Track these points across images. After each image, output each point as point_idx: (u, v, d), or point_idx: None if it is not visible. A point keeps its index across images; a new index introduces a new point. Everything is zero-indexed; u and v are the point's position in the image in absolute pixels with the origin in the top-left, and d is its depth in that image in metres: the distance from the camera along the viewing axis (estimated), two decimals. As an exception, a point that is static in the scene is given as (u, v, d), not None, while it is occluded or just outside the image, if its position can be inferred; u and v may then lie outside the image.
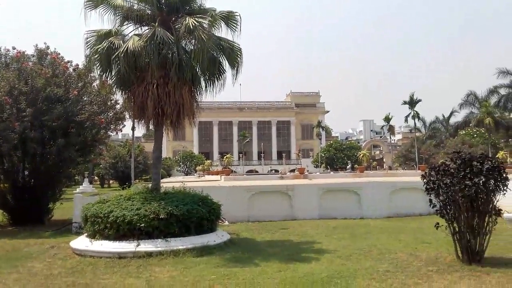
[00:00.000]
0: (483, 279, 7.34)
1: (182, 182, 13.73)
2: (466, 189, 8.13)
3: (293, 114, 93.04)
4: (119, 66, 11.08)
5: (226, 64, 11.90)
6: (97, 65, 11.35)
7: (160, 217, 9.83)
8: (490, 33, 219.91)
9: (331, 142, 78.44)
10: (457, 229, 8.59)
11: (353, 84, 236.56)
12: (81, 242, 10.46)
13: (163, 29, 10.79)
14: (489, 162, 8.27)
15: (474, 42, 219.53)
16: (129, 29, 12.09)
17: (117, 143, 71.29)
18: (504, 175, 8.32)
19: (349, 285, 7.26)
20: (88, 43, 11.61)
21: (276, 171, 61.21)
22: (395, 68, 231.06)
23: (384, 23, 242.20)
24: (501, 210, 8.64)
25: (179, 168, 72.39)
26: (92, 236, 10.43)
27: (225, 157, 50.96)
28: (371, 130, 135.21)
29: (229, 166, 72.41)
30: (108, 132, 18.93)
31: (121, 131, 20.28)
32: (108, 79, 11.80)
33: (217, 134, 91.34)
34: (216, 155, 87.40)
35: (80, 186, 44.57)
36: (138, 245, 9.72)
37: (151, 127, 12.14)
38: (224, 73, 12.03)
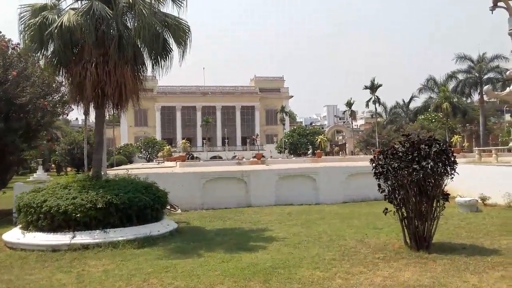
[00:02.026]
0: (429, 266, 7.14)
1: (126, 169, 13.04)
2: (414, 173, 7.89)
3: (257, 99, 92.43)
4: (55, 43, 10.23)
5: (172, 42, 11.21)
6: (30, 42, 10.44)
7: (98, 206, 9.19)
8: (450, 17, 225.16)
9: (295, 127, 78.57)
10: (405, 215, 8.38)
11: (317, 69, 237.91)
12: (13, 235, 9.73)
13: (101, 3, 9.98)
14: (437, 145, 8.05)
15: (435, 26, 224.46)
16: (68, 3, 11.23)
17: (75, 129, 69.21)
18: (452, 158, 8.12)
19: (292, 275, 6.91)
20: (22, 18, 10.66)
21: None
22: (360, 52, 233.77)
23: (347, 6, 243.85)
24: (449, 194, 8.46)
25: (140, 155, 70.83)
26: (25, 227, 9.71)
27: (181, 142, 49.85)
28: (335, 116, 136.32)
29: (192, 152, 71.69)
30: (55, 117, 17.86)
31: (66, 115, 19.22)
32: (43, 57, 10.88)
33: (180, 120, 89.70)
34: (179, 141, 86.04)
35: (34, 174, 42.87)
36: (73, 237, 9.08)
37: (91, 109, 11.33)
38: (170, 52, 11.34)
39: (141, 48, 10.95)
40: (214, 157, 74.11)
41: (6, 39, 15.95)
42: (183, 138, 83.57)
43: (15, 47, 15.68)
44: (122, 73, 10.27)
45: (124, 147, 70.48)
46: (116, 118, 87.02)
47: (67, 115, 19.10)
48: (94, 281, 6.95)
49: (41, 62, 14.73)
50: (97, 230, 9.26)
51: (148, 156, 68.96)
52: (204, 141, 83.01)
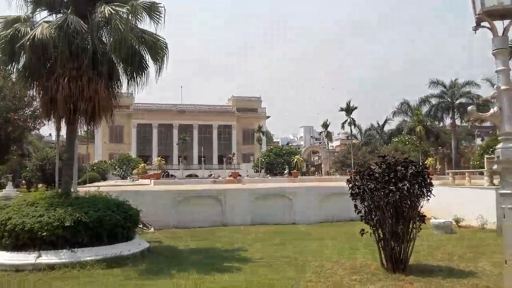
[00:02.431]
0: (405, 289, 7.04)
1: (97, 186, 12.66)
2: (390, 194, 7.84)
3: (235, 119, 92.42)
4: (27, 56, 9.95)
5: (149, 59, 11.03)
6: (1, 54, 10.12)
7: (66, 224, 8.81)
8: (425, 44, 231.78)
9: (272, 147, 78.67)
10: (381, 236, 8.30)
11: (294, 90, 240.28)
12: (-25, 253, 9.19)
13: (76, 17, 9.77)
14: (413, 167, 8.05)
15: (410, 53, 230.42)
16: (42, 16, 10.96)
17: (48, 145, 67.64)
18: (428, 180, 8.12)
19: (267, 299, 6.71)
20: (-6, 31, 10.34)
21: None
22: (337, 74, 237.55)
23: (325, 29, 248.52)
24: (425, 216, 8.44)
25: (114, 172, 69.49)
26: (-12, 246, 9.21)
27: (156, 159, 49.06)
28: (311, 136, 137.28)
29: (167, 170, 70.83)
30: (26, 131, 17.37)
31: (38, 130, 18.72)
32: (15, 70, 10.54)
33: (157, 137, 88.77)
34: (155, 158, 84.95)
35: (3, 190, 41.54)
36: (39, 256, 8.65)
37: (63, 125, 10.97)
38: (147, 68, 11.14)
39: (116, 64, 10.74)
40: (190, 175, 73.40)
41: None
42: (159, 156, 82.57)
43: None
44: (96, 89, 10.00)
45: (98, 164, 69.03)
46: (90, 134, 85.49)
47: (39, 130, 18.61)
48: (58, 304, 6.60)
49: (13, 76, 14.37)
50: (64, 250, 8.85)
51: (123, 174, 67.71)
52: (180, 159, 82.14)
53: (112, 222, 9.44)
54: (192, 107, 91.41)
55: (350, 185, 8.64)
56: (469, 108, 4.78)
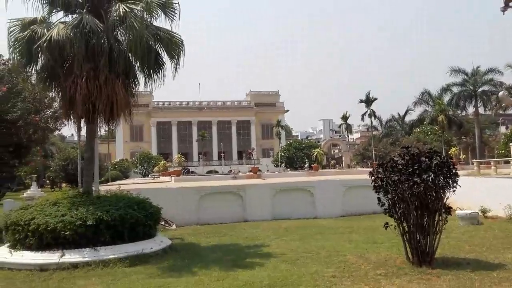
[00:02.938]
0: (433, 283, 6.84)
1: (118, 184, 12.72)
2: (415, 186, 7.63)
3: (253, 114, 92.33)
4: (44, 58, 10.02)
5: (165, 56, 11.00)
6: (19, 56, 10.20)
7: (88, 223, 8.85)
8: (445, 31, 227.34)
9: (291, 141, 78.37)
10: (406, 229, 8.10)
11: (314, 83, 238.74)
12: (0, 253, 9.33)
13: (92, 16, 9.78)
14: (438, 157, 7.81)
15: (429, 40, 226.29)
16: (59, 17, 11.00)
17: (70, 145, 68.69)
18: (454, 171, 7.88)
19: (290, 294, 6.61)
20: (12, 33, 10.41)
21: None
22: (357, 65, 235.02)
23: (341, 20, 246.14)
24: (451, 207, 8.21)
25: (136, 170, 70.31)
26: (13, 246, 9.34)
27: (176, 156, 49.26)
28: (331, 129, 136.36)
29: (188, 167, 71.21)
30: (47, 132, 17.59)
31: (59, 131, 18.95)
32: (33, 72, 10.62)
33: (176, 134, 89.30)
34: (175, 155, 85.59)
35: (28, 190, 42.36)
36: (62, 255, 8.72)
37: (82, 124, 11.03)
38: (163, 65, 11.13)
39: (133, 62, 10.74)
40: (210, 172, 73.63)
41: (-3, 54, 15.75)
42: (179, 153, 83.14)
43: (6, 63, 15.47)
44: (113, 87, 10.02)
45: (120, 163, 70.00)
46: (111, 133, 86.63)
47: (60, 131, 18.84)
48: (82, 303, 6.62)
49: (33, 78, 14.52)
50: (87, 248, 8.91)
51: (144, 171, 68.41)
52: (200, 155, 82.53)
53: (133, 220, 9.46)
54: (210, 104, 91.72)
55: (373, 177, 8.44)
56: (501, 93, 4.58)
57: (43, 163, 52.16)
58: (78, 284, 7.68)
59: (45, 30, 9.87)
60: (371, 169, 8.99)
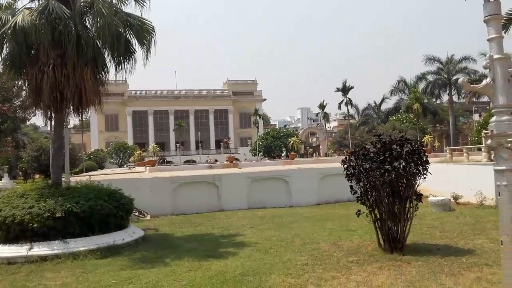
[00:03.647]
0: (403, 269, 6.90)
1: (89, 175, 12.47)
2: (386, 174, 7.67)
3: (231, 103, 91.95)
4: (9, 45, 9.66)
5: (136, 43, 10.74)
6: (-17, 43, 9.81)
7: (57, 215, 8.64)
8: (422, 21, 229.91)
9: (269, 130, 78.44)
10: (378, 216, 8.16)
11: (291, 72, 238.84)
12: (-34, 247, 9.04)
13: (58, 2, 9.44)
14: (409, 145, 7.86)
15: (406, 29, 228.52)
16: (24, 3, 10.64)
17: (43, 135, 67.19)
18: (424, 158, 7.95)
19: (262, 283, 6.58)
20: (-24, 20, 9.99)
21: (215, 160, 60.11)
22: (333, 54, 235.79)
23: (318, 6, 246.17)
24: (422, 194, 8.29)
25: (112, 160, 69.35)
26: (-20, 239, 9.05)
27: (150, 146, 48.70)
28: (309, 118, 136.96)
29: (164, 156, 70.64)
30: (17, 122, 17.10)
31: (28, 121, 18.42)
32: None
33: (153, 124, 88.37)
34: (151, 145, 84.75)
35: (0, 181, 41.32)
36: (30, 248, 8.51)
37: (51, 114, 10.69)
38: (134, 53, 10.87)
39: (102, 49, 10.45)
40: (187, 161, 73.29)
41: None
42: (155, 143, 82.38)
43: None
44: (82, 75, 9.74)
45: (95, 153, 68.89)
46: (85, 123, 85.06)
47: (29, 121, 18.29)
48: (50, 296, 6.46)
49: None
50: (56, 241, 8.71)
51: (120, 162, 67.57)
52: (178, 145, 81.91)
53: (103, 212, 9.29)
54: (187, 92, 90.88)
55: (345, 165, 8.46)
56: (460, 80, 4.55)
57: (15, 153, 50.93)
58: (47, 277, 7.50)
59: (10, 16, 9.52)
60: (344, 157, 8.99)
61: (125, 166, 51.51)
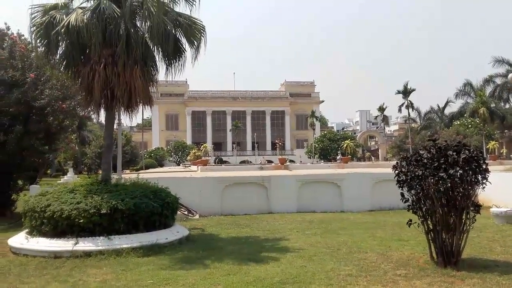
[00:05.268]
0: (455, 287, 6.32)
1: (137, 173, 12.65)
2: (441, 182, 7.08)
3: (288, 104, 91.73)
4: (63, 44, 9.98)
5: (185, 43, 10.76)
6: (39, 43, 10.19)
7: (102, 212, 8.75)
8: (488, 19, 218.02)
9: (325, 132, 77.39)
10: (431, 227, 7.57)
11: (351, 74, 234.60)
12: (18, 239, 9.42)
13: (109, 1, 9.61)
14: (467, 151, 7.21)
15: (472, 29, 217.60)
16: (81, 1, 10.89)
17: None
18: (484, 166, 7.26)
19: (300, 293, 6.25)
20: (33, 19, 10.39)
21: (269, 161, 60.13)
22: (394, 57, 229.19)
23: (378, 11, 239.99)
24: (481, 205, 7.60)
25: (171, 159, 71.32)
26: (30, 232, 9.40)
27: (202, 146, 49.50)
28: (368, 121, 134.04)
29: (221, 156, 71.54)
30: (76, 119, 17.77)
31: (87, 118, 19.07)
32: (52, 58, 10.58)
33: (211, 124, 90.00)
34: (209, 145, 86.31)
35: (65, 176, 43.53)
36: (76, 243, 8.67)
37: (101, 113, 10.97)
38: (184, 52, 10.88)
39: (152, 48, 10.55)
40: (243, 162, 73.79)
41: (27, 41, 15.92)
42: (213, 143, 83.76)
43: (34, 49, 15.63)
44: (132, 74, 9.87)
45: (155, 151, 71.18)
46: (147, 122, 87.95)
47: (88, 118, 18.95)
48: (87, 293, 6.50)
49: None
50: (101, 237, 8.83)
51: (178, 160, 69.32)
52: (234, 145, 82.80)
53: (148, 210, 9.31)
54: (244, 93, 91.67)
55: (396, 171, 7.93)
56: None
57: (81, 150, 53.56)
58: (89, 272, 7.59)
59: (64, 16, 9.78)
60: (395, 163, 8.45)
61: (181, 165, 52.63)
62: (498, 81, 52.98)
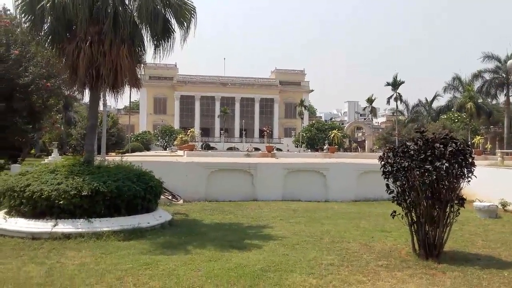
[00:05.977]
0: (436, 279, 6.32)
1: (121, 156, 12.45)
2: (426, 174, 7.05)
3: (277, 92, 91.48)
4: (49, 21, 9.67)
5: (175, 23, 10.52)
6: (23, 18, 9.86)
7: (83, 193, 8.57)
8: (480, 13, 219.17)
9: (314, 122, 77.45)
10: (414, 219, 7.56)
11: (340, 65, 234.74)
12: (-4, 219, 9.19)
13: (97, -24, 9.32)
14: (454, 144, 7.17)
15: (462, 23, 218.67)
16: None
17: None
18: (470, 159, 7.24)
19: (281, 281, 6.20)
20: (18, -6, 10.05)
21: (257, 149, 60.10)
22: (385, 48, 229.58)
23: (370, 2, 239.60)
24: (465, 199, 7.60)
25: (158, 143, 70.94)
26: (9, 212, 9.20)
27: (189, 131, 49.28)
28: (356, 112, 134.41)
29: (208, 142, 71.25)
30: (61, 98, 17.44)
31: (72, 98, 18.74)
32: (38, 34, 10.26)
33: (199, 109, 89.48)
34: (197, 130, 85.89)
35: (49, 156, 43.04)
36: (55, 225, 8.49)
37: (86, 92, 10.70)
38: (173, 33, 10.64)
39: (140, 27, 10.28)
40: (230, 148, 73.69)
41: (12, 16, 15.49)
42: (201, 128, 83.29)
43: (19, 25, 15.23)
44: (118, 53, 9.62)
45: (142, 134, 70.71)
46: (135, 105, 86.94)
47: (73, 98, 18.62)
48: (64, 275, 6.34)
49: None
50: (81, 219, 8.66)
51: (165, 144, 68.98)
52: (222, 131, 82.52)
53: (130, 193, 9.14)
54: (234, 79, 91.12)
55: (382, 162, 7.88)
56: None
57: (67, 130, 52.89)
58: (67, 255, 7.44)
59: (49, -11, 9.46)
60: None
61: (167, 149, 52.34)
62: (487, 76, 53.37)
